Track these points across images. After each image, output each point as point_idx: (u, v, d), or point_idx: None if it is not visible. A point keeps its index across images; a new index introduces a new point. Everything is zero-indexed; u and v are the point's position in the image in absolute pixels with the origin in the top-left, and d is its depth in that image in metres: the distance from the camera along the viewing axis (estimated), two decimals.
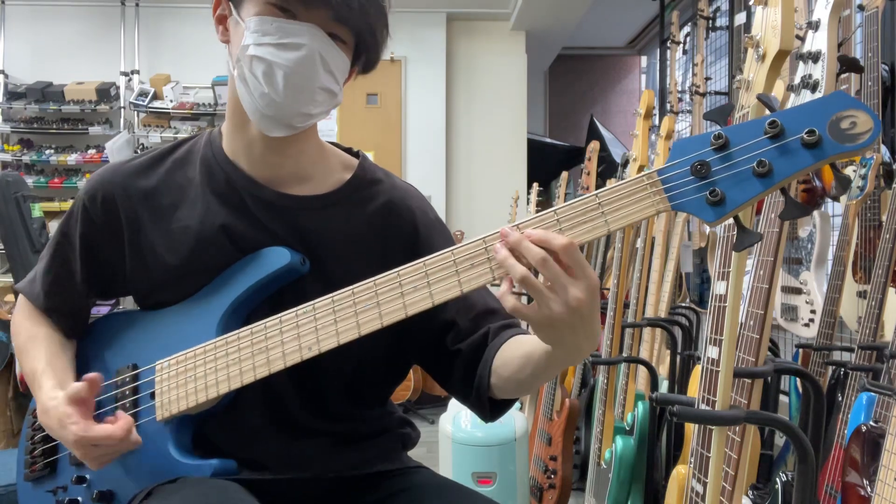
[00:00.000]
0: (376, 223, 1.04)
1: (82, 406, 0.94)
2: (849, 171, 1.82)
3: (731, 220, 0.75)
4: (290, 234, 1.00)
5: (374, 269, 0.88)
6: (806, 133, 0.67)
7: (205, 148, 1.05)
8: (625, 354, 2.27)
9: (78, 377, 1.03)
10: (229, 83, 1.00)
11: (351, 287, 0.87)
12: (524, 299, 0.80)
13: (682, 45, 4.00)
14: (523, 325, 0.96)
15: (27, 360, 1.05)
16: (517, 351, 0.94)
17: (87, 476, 1.03)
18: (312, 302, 0.89)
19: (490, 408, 1.00)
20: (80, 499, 1.03)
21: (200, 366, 0.96)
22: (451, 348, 1.02)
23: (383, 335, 0.87)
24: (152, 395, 0.99)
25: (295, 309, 0.90)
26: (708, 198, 0.70)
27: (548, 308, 0.76)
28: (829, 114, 0.67)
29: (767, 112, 0.71)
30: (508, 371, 0.95)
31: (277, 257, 0.97)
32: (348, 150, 1.11)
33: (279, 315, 0.91)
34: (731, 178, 0.70)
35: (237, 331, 0.94)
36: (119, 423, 0.92)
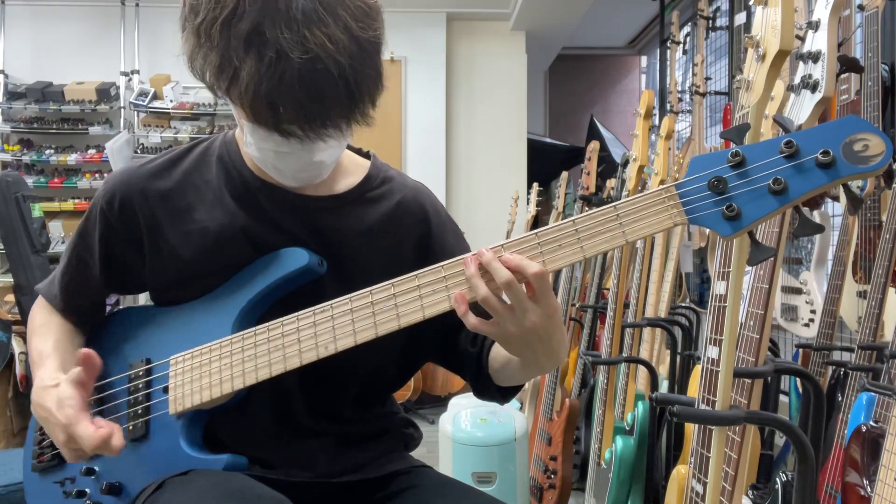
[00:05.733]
0: (390, 221, 1.06)
1: (83, 390, 0.96)
2: None
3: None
4: (309, 234, 1.01)
5: (389, 266, 0.90)
6: (821, 153, 0.69)
7: (220, 149, 1.06)
8: (625, 354, 2.27)
9: None
10: None
11: (369, 288, 0.88)
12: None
13: (682, 45, 4.00)
14: None
15: (36, 342, 1.06)
16: (501, 351, 1.01)
17: (96, 468, 1.04)
18: (330, 302, 0.90)
19: (501, 394, 1.09)
20: (88, 490, 1.04)
21: (216, 361, 0.96)
22: (463, 347, 1.07)
23: (399, 336, 0.88)
24: (165, 390, 1.00)
25: (312, 308, 0.91)
26: (724, 213, 0.73)
27: (505, 327, 0.83)
28: (843, 136, 0.69)
29: (781, 131, 0.73)
30: (497, 365, 1.04)
31: (296, 258, 0.98)
32: (357, 151, 1.13)
33: (296, 313, 0.93)
34: (747, 195, 0.72)
35: (254, 328, 0.95)
36: (99, 431, 0.91)
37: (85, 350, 0.96)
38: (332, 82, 0.83)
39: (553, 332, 0.85)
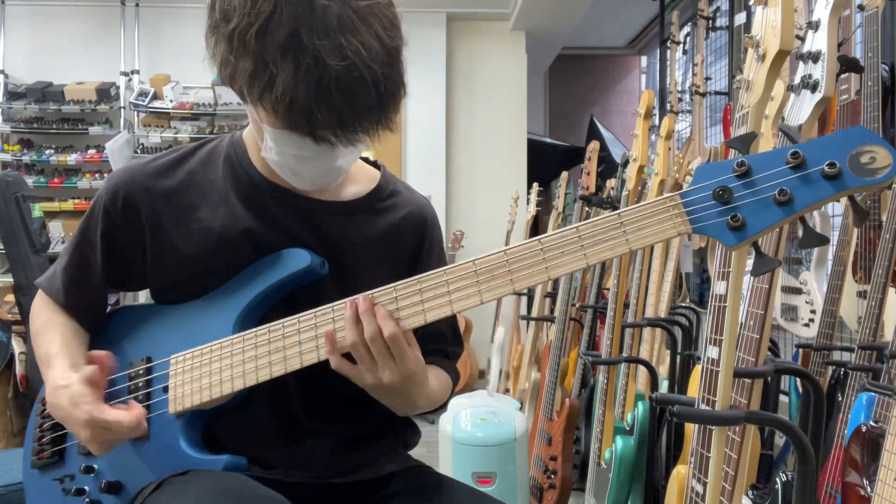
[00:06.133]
0: (394, 233, 1.08)
1: (96, 388, 0.96)
2: None
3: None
4: (312, 237, 1.02)
5: (388, 276, 0.91)
6: (827, 165, 0.69)
7: (228, 150, 1.06)
8: (625, 354, 2.26)
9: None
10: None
11: (371, 291, 0.89)
12: None
13: (682, 45, 4.00)
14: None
15: (42, 343, 1.06)
16: None
17: (96, 466, 1.04)
18: (331, 304, 0.91)
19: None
20: (87, 488, 1.04)
21: (216, 361, 0.97)
22: None
23: None
24: (165, 389, 1.00)
25: (313, 310, 0.92)
26: (729, 222, 0.72)
27: (363, 375, 0.89)
28: (850, 147, 0.69)
29: (783, 135, 0.73)
30: None
31: (297, 259, 0.99)
32: (365, 160, 1.14)
33: (297, 315, 0.93)
34: (752, 205, 0.72)
35: (254, 329, 0.95)
36: (131, 411, 0.95)
37: (97, 352, 0.98)
38: (366, 89, 0.84)
39: (410, 390, 0.91)
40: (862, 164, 0.68)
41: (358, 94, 0.83)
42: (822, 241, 0.73)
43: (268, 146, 0.93)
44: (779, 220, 0.71)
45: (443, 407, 1.13)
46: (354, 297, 0.89)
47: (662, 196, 0.77)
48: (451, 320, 1.15)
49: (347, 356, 0.91)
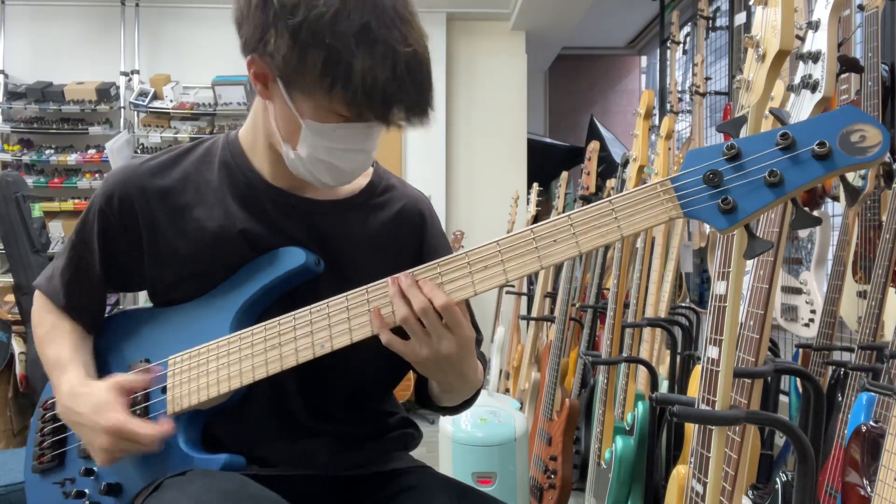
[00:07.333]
0: (390, 228, 1.08)
1: (125, 398, 0.98)
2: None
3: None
4: (308, 236, 1.02)
5: (387, 271, 0.91)
6: (817, 145, 0.68)
7: (223, 151, 1.06)
8: (625, 354, 2.27)
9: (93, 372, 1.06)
10: (259, 113, 1.01)
11: (365, 287, 0.89)
12: None
13: (682, 45, 4.00)
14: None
15: (50, 348, 1.07)
16: None
17: (96, 468, 1.04)
18: (326, 300, 0.91)
19: (436, 410, 1.12)
20: (87, 491, 1.04)
21: (213, 361, 0.97)
22: None
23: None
24: (164, 390, 1.00)
25: (309, 307, 0.92)
26: (720, 206, 0.72)
27: (419, 349, 0.88)
28: (840, 127, 0.68)
29: (779, 124, 0.72)
30: (430, 383, 1.07)
31: (293, 257, 0.99)
32: None
33: (293, 313, 0.93)
34: (743, 188, 0.71)
35: (251, 327, 0.96)
36: (161, 426, 0.95)
37: (152, 367, 1.00)
38: (427, 73, 0.91)
39: (464, 360, 0.90)
40: (852, 143, 0.67)
41: (423, 79, 0.90)
42: (815, 222, 0.72)
43: (308, 143, 0.93)
44: (770, 202, 0.70)
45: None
46: (395, 276, 0.88)
47: (653, 182, 0.77)
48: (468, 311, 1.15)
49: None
